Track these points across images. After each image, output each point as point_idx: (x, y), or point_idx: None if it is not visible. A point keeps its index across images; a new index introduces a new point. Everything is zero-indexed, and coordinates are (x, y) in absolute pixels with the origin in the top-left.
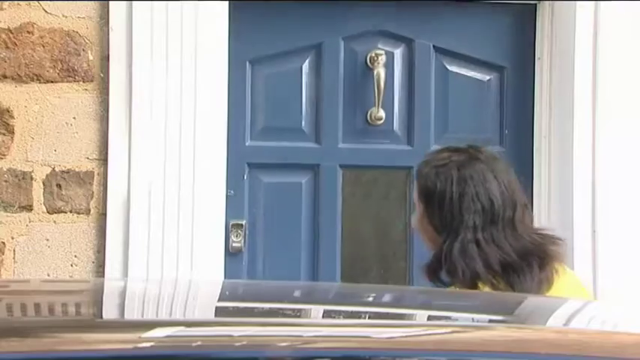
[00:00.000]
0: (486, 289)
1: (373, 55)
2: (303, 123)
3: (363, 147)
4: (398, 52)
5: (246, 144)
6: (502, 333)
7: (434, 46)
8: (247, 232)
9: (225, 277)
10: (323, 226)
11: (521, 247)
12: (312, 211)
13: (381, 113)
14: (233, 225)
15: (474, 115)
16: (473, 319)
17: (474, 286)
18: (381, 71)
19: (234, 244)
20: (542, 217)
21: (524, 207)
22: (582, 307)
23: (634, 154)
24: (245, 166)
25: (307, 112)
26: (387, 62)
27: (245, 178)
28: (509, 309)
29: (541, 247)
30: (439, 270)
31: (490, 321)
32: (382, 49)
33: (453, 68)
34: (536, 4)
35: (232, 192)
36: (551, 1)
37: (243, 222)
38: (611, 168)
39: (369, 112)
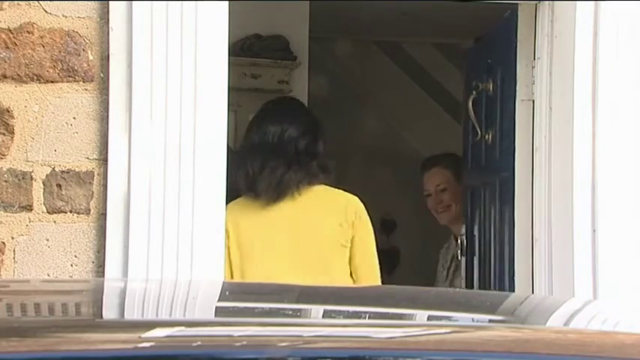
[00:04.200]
0: None
1: None
2: None
3: None
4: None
5: None
6: (502, 333)
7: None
8: None
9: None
10: None
11: None
12: None
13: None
14: None
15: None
16: (473, 319)
17: None
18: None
19: None
20: (543, 217)
21: None
22: (582, 307)
23: (634, 154)
24: None
25: None
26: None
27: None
28: (509, 309)
29: None
30: None
31: (490, 321)
32: None
33: None
34: (536, 4)
35: None
36: (551, 1)
37: None
38: (611, 168)
39: None
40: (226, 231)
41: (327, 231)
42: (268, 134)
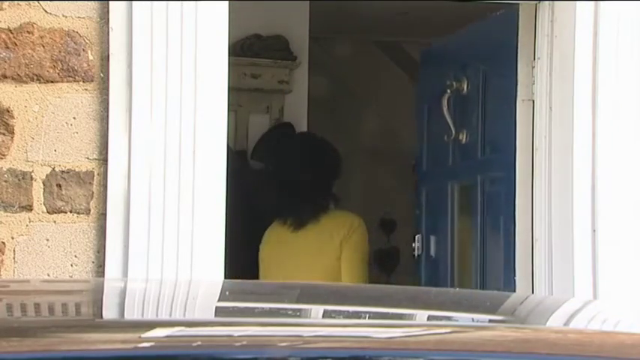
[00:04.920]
0: None
1: None
2: None
3: None
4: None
5: None
6: (502, 333)
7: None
8: None
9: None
10: None
11: None
12: None
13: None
14: None
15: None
16: (473, 319)
17: None
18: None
19: None
20: (543, 217)
21: None
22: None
23: (634, 154)
24: None
25: None
26: None
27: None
28: (509, 309)
29: None
30: None
31: (490, 321)
32: None
33: None
34: (536, 4)
35: None
36: (551, 1)
37: None
38: (611, 168)
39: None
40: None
41: (329, 250)
42: (291, 172)
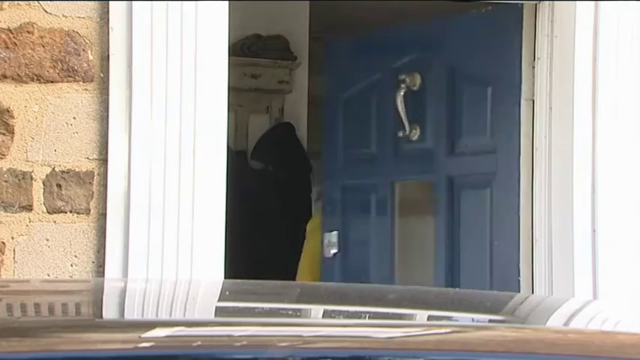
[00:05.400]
0: None
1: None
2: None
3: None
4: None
5: None
6: (502, 333)
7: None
8: None
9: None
10: None
11: None
12: None
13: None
14: None
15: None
16: (473, 319)
17: None
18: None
19: None
20: (543, 217)
21: None
22: (582, 307)
23: (634, 154)
24: None
25: None
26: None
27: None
28: (509, 309)
29: None
30: None
31: (490, 321)
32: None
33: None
34: (536, 4)
35: None
36: (551, 1)
37: None
38: (611, 168)
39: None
40: None
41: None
42: None
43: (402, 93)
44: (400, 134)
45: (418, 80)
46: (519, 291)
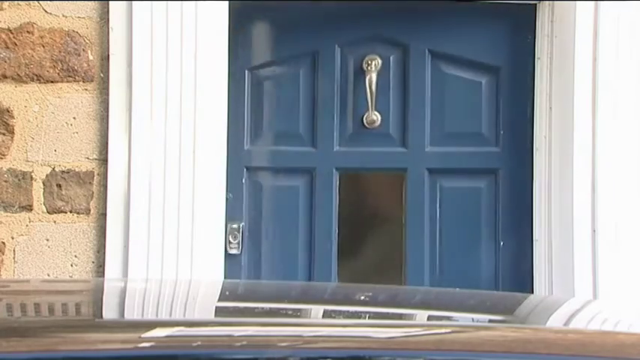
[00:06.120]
0: None
1: (368, 60)
2: (300, 128)
3: (358, 150)
4: (393, 57)
5: (245, 148)
6: (502, 333)
7: (429, 50)
8: (246, 234)
9: (224, 278)
10: (319, 229)
11: None
12: (308, 214)
13: (374, 117)
14: (231, 227)
15: (470, 116)
16: (473, 319)
17: None
18: (373, 76)
19: (232, 246)
20: (543, 216)
21: None
22: (582, 307)
23: (634, 154)
24: (243, 170)
25: (304, 117)
26: (382, 66)
27: (243, 181)
28: (509, 309)
29: None
30: None
31: (490, 321)
32: (376, 54)
33: (449, 70)
34: (536, 4)
35: (231, 195)
36: (551, 1)
37: (242, 224)
38: (611, 168)
39: (364, 116)
40: None
41: None
42: None
43: (369, 75)
44: (363, 120)
45: (379, 63)
46: (519, 291)
